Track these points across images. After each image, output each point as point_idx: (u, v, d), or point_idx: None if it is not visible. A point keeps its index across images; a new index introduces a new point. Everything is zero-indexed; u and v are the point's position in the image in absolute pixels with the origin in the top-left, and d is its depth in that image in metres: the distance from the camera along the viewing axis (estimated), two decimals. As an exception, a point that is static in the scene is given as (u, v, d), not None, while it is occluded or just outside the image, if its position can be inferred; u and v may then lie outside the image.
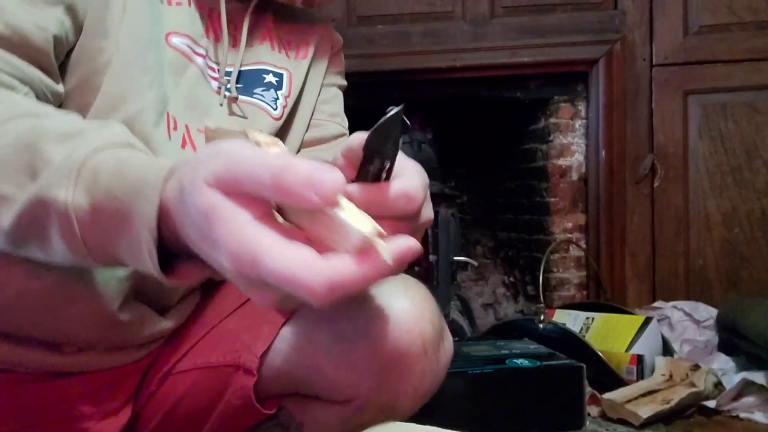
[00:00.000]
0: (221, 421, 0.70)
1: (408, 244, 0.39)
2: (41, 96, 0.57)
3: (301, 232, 0.39)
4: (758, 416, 1.38)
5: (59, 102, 0.60)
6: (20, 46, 0.54)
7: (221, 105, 0.71)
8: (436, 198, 1.75)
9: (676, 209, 1.96)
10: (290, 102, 0.78)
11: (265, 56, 0.77)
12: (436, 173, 1.84)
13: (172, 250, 0.42)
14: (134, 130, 0.60)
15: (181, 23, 0.68)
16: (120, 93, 0.61)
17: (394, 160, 0.44)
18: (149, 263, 0.41)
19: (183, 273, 0.43)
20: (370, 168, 0.43)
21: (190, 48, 0.68)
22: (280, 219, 0.40)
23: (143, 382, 0.72)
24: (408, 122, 1.81)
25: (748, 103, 1.92)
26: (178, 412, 0.71)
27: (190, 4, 0.69)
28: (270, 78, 0.77)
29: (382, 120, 0.43)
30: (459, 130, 2.33)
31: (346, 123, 0.90)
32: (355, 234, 0.36)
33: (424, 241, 1.75)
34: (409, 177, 0.45)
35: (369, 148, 0.43)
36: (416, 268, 1.89)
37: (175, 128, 0.66)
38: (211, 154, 0.38)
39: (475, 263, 1.97)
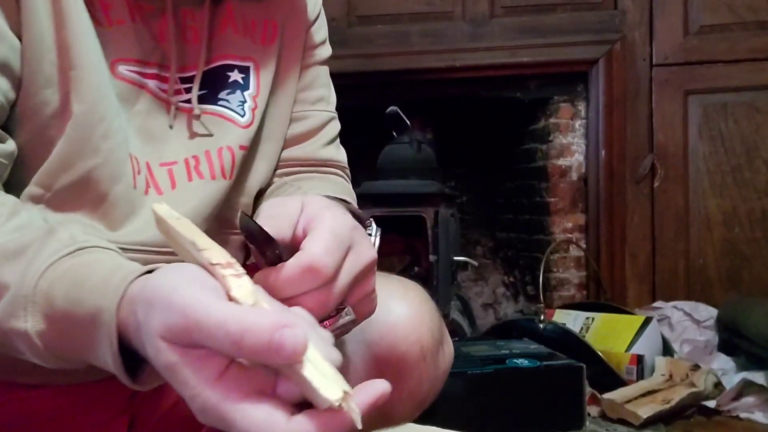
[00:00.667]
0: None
1: (378, 391, 0.38)
2: None
3: (268, 369, 0.38)
4: (758, 416, 1.38)
5: (12, 159, 0.57)
6: None
7: (171, 127, 0.64)
8: (436, 198, 1.75)
9: (676, 209, 1.96)
10: (260, 102, 0.70)
11: (229, 47, 0.69)
12: (436, 173, 1.84)
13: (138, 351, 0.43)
14: (89, 190, 0.59)
15: (126, 47, 0.62)
16: (71, 152, 0.58)
17: (276, 243, 0.44)
18: (119, 377, 0.43)
19: (152, 373, 0.44)
20: (267, 254, 0.44)
21: (139, 73, 0.63)
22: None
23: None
24: (407, 122, 1.81)
25: (749, 103, 1.92)
26: (174, 415, 0.69)
27: (134, 19, 0.62)
28: (235, 75, 0.69)
29: (239, 217, 0.44)
30: (459, 130, 2.33)
31: (333, 101, 0.81)
32: (322, 400, 0.36)
33: (424, 241, 1.76)
34: (312, 246, 0.44)
35: (250, 242, 0.44)
36: (416, 268, 1.89)
37: (138, 171, 0.62)
38: (163, 302, 0.38)
39: (475, 263, 1.97)
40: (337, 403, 0.36)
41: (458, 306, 1.98)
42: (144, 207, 0.62)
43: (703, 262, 1.94)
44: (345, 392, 0.36)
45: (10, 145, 0.57)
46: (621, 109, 1.97)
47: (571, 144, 2.06)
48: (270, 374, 0.38)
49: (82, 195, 0.59)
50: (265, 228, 0.45)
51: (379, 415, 0.66)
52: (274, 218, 0.47)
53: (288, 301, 0.43)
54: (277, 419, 0.36)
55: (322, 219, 0.46)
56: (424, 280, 1.74)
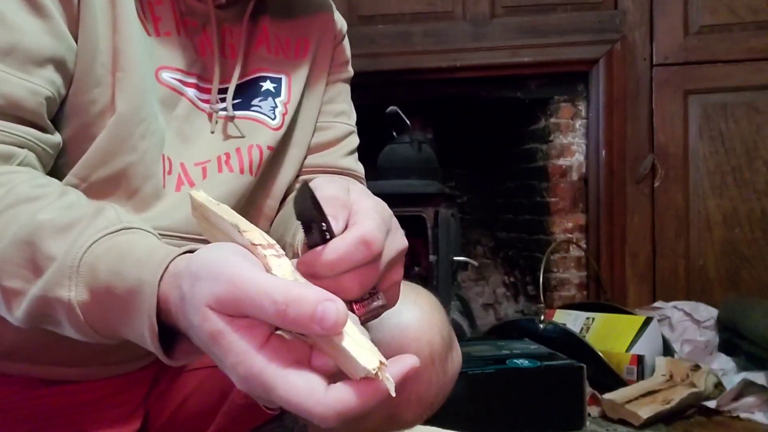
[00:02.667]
0: (226, 421, 0.70)
1: (409, 364, 0.40)
2: (40, 153, 0.58)
3: (304, 343, 0.40)
4: (758, 416, 1.38)
5: (58, 150, 0.60)
6: (14, 112, 0.55)
7: (212, 132, 0.69)
8: (436, 198, 1.75)
9: (677, 209, 1.96)
10: (291, 108, 0.75)
11: (263, 62, 0.74)
12: (436, 173, 1.84)
13: (173, 328, 0.44)
14: (121, 185, 0.62)
15: (171, 56, 0.66)
16: (110, 147, 0.61)
17: (326, 218, 0.44)
18: (153, 349, 0.45)
19: (184, 352, 0.46)
20: (314, 234, 0.44)
21: (181, 81, 0.67)
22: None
23: (154, 382, 0.72)
24: (407, 122, 1.81)
25: (748, 103, 1.93)
26: (184, 411, 0.71)
27: (179, 32, 0.67)
28: (267, 85, 0.74)
29: (295, 194, 0.44)
30: (459, 130, 2.33)
31: (353, 117, 0.86)
32: (360, 369, 0.38)
33: (424, 241, 1.76)
34: (363, 221, 0.45)
35: (300, 219, 0.45)
36: (416, 268, 1.89)
37: (170, 172, 0.65)
38: (211, 273, 0.39)
39: (476, 263, 1.97)
40: (374, 372, 0.37)
41: (458, 306, 1.98)
42: (172, 201, 0.65)
43: (703, 262, 1.94)
44: (381, 362, 0.38)
45: (57, 137, 0.60)
46: (621, 109, 1.98)
47: (571, 144, 2.06)
48: (306, 347, 0.40)
49: (115, 189, 0.62)
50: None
51: (387, 417, 0.67)
52: (331, 201, 0.47)
53: (333, 278, 0.43)
54: (317, 386, 0.38)
55: (365, 202, 0.48)
56: (425, 280, 1.74)
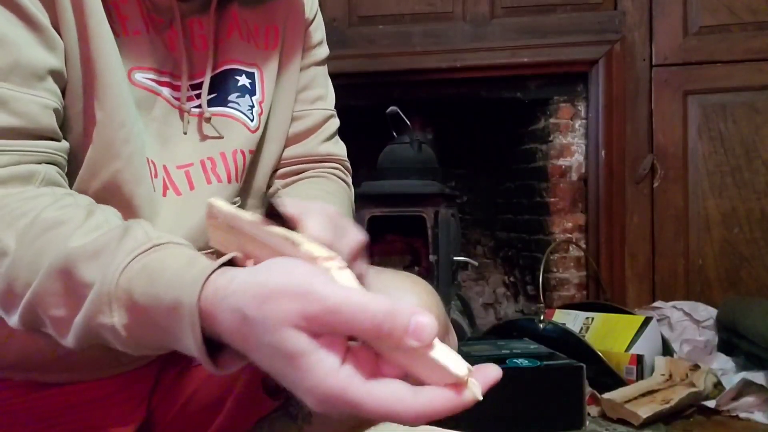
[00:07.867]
0: (232, 413, 0.71)
1: (494, 375, 0.40)
2: (59, 163, 0.58)
3: (370, 350, 0.39)
4: (758, 416, 1.38)
5: (68, 154, 0.61)
6: (32, 130, 0.55)
7: (185, 133, 0.68)
8: (436, 198, 1.75)
9: (676, 209, 1.96)
10: (265, 107, 0.74)
11: (236, 52, 0.72)
12: (436, 173, 1.85)
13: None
14: (115, 194, 0.61)
15: (142, 56, 0.65)
16: (97, 157, 0.61)
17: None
18: (204, 364, 0.44)
19: (231, 360, 0.45)
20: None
21: (155, 81, 0.66)
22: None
23: (159, 380, 0.73)
24: (407, 122, 1.82)
25: (748, 103, 1.93)
26: (191, 406, 0.72)
27: (148, 30, 0.66)
28: (243, 80, 0.72)
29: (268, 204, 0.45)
30: (459, 130, 2.33)
31: (331, 99, 0.85)
32: (451, 376, 0.37)
33: (424, 241, 1.76)
34: (309, 222, 0.45)
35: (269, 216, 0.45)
36: (416, 268, 1.89)
37: (155, 175, 0.65)
38: (294, 293, 0.38)
39: (476, 263, 1.98)
40: (465, 378, 0.37)
41: (458, 306, 1.98)
42: (163, 208, 0.65)
43: (702, 262, 1.94)
44: (469, 369, 0.38)
45: (65, 144, 0.60)
46: (621, 109, 1.98)
47: (571, 144, 2.06)
48: (372, 354, 0.39)
49: (111, 200, 0.61)
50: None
51: None
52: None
53: None
54: (402, 393, 0.37)
55: (311, 206, 0.49)
56: (425, 279, 1.74)
